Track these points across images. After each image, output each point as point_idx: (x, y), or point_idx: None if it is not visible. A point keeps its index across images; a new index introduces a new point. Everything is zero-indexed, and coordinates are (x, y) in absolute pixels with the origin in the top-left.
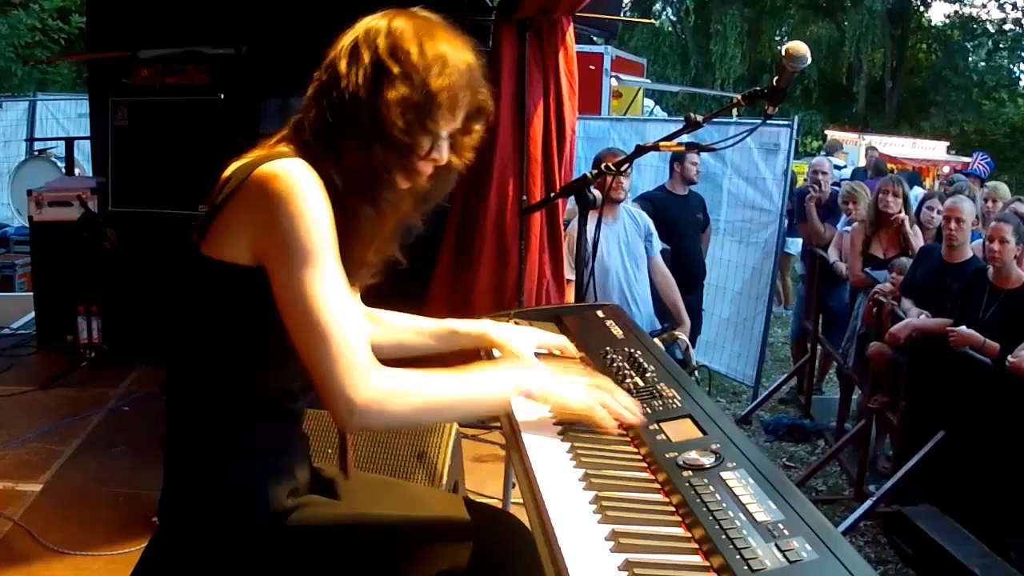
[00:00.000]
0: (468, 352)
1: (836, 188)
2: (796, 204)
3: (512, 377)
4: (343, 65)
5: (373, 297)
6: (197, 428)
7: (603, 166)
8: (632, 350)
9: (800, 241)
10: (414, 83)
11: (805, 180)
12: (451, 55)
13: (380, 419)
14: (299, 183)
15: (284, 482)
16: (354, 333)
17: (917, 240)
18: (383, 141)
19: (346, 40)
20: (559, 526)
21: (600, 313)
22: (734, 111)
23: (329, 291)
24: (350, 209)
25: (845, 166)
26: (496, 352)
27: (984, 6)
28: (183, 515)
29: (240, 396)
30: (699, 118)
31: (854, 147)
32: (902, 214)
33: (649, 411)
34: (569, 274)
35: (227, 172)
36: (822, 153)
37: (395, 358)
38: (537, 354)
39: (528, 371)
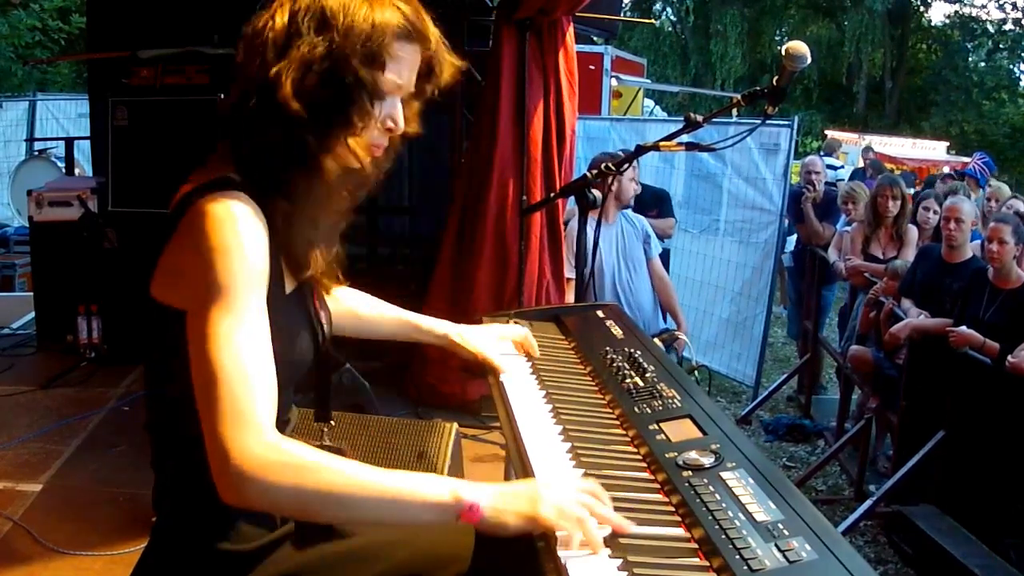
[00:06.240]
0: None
1: (832, 188)
2: (790, 205)
3: (454, 486)
4: (252, 41)
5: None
6: (182, 457)
7: (603, 166)
8: (632, 350)
9: (790, 239)
10: (336, 35)
11: (798, 180)
12: (381, 15)
13: (262, 491)
14: (229, 219)
15: None
16: (254, 386)
17: (912, 236)
18: (289, 106)
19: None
20: None
21: (600, 313)
22: (734, 111)
23: (236, 333)
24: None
25: (843, 167)
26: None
27: (984, 6)
28: (178, 538)
29: None
30: (699, 118)
31: (854, 147)
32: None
33: (649, 411)
34: (569, 272)
35: (176, 198)
36: (821, 154)
37: (353, 336)
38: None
39: (485, 486)
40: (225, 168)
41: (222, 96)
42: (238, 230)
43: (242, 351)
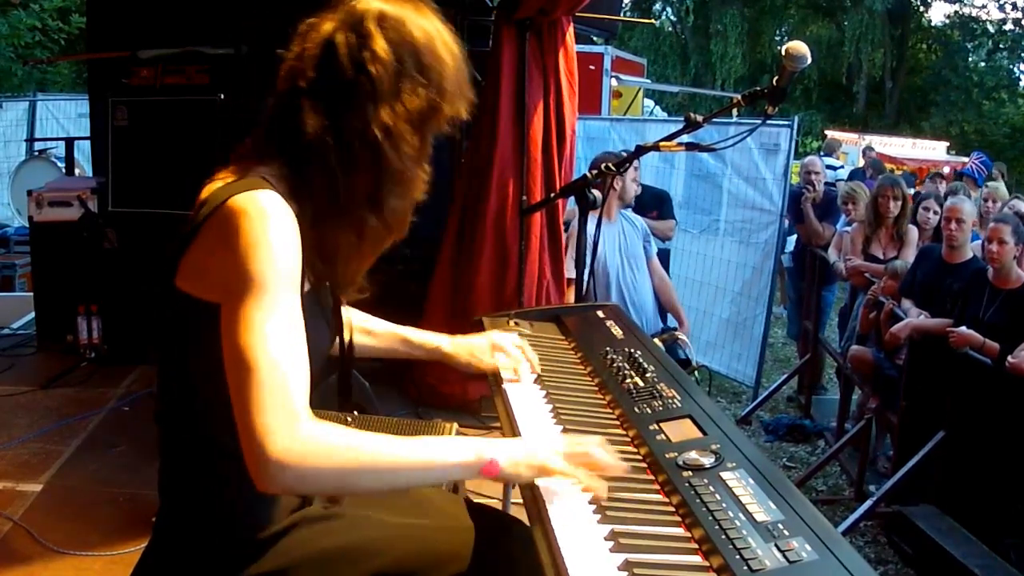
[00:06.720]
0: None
1: (832, 188)
2: (790, 205)
3: (475, 446)
4: (342, 63)
5: (374, 298)
6: (190, 449)
7: (603, 166)
8: (632, 350)
9: (790, 240)
10: (431, 87)
11: (798, 180)
12: (452, 45)
13: (299, 476)
14: (264, 216)
15: (283, 498)
16: (290, 375)
17: (912, 236)
18: (398, 152)
19: (333, 31)
20: (559, 526)
21: (600, 313)
22: (734, 111)
23: (271, 326)
24: (351, 227)
25: (842, 166)
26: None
27: (984, 6)
28: (180, 531)
29: (229, 424)
30: (699, 118)
31: (854, 147)
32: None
33: (649, 411)
34: (571, 272)
35: (203, 194)
36: (821, 154)
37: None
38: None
39: (499, 442)
40: (255, 165)
41: (222, 96)
42: (273, 227)
43: (277, 341)
